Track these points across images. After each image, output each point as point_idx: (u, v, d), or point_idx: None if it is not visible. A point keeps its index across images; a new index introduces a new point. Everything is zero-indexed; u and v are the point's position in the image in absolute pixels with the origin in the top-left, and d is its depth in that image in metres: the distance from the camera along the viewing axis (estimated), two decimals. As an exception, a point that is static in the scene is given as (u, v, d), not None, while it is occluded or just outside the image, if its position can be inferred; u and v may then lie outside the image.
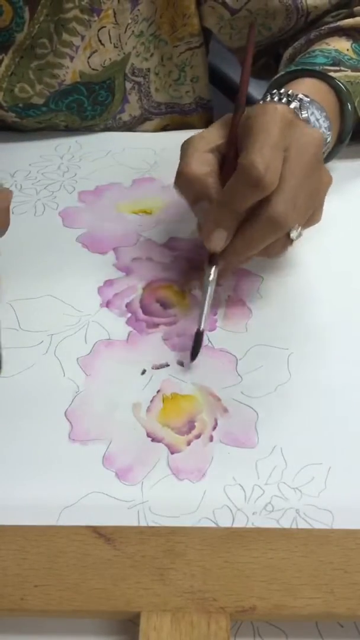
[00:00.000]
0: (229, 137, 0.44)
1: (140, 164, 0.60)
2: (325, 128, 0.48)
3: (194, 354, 0.41)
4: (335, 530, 0.33)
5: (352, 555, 0.31)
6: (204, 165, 0.43)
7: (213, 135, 0.44)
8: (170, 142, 0.61)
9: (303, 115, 0.46)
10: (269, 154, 0.39)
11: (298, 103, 0.47)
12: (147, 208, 0.54)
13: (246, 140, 0.41)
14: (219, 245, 0.42)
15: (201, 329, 0.41)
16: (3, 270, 0.48)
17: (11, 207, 0.54)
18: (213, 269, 0.43)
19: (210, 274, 0.43)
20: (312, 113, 0.47)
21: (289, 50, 0.60)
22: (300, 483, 0.35)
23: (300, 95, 0.47)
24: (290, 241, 0.43)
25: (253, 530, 0.33)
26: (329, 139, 0.49)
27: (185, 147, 0.44)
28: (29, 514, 0.34)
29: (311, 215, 0.44)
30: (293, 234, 0.42)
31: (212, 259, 0.43)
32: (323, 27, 0.58)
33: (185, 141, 0.44)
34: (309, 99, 0.47)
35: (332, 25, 0.58)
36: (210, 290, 0.42)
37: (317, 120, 0.48)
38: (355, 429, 0.38)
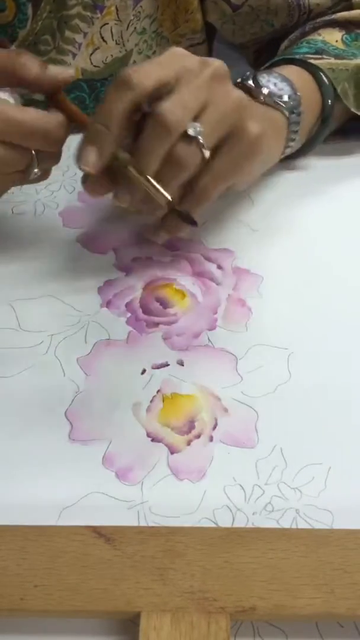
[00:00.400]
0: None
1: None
2: (286, 87, 0.49)
3: (192, 220, 0.41)
4: (335, 530, 0.33)
5: (352, 555, 0.31)
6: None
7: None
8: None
9: (261, 88, 0.47)
10: (147, 66, 0.39)
11: (251, 76, 0.48)
12: (147, 208, 0.54)
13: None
14: (89, 163, 0.40)
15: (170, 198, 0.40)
16: (3, 270, 0.48)
17: (11, 207, 0.54)
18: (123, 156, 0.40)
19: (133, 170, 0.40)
20: (268, 80, 0.48)
21: (285, 43, 0.61)
22: (300, 483, 0.35)
23: (257, 72, 0.48)
24: (192, 139, 0.40)
25: (253, 530, 0.33)
26: (289, 93, 0.49)
27: None
28: (29, 514, 0.34)
29: (234, 134, 0.42)
30: (191, 130, 0.39)
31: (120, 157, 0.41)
32: (318, 20, 0.58)
33: None
34: (265, 71, 0.48)
35: (326, 17, 0.58)
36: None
37: (275, 84, 0.48)
38: (355, 429, 0.38)
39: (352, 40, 0.56)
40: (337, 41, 0.56)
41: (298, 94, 0.49)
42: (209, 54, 0.67)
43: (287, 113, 0.49)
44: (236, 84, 0.48)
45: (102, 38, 0.58)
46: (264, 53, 0.67)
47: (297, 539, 0.31)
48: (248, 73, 0.49)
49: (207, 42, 0.66)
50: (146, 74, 0.39)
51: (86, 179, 0.43)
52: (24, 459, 0.37)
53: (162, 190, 0.40)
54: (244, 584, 0.30)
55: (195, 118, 0.40)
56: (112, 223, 0.53)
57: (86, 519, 0.33)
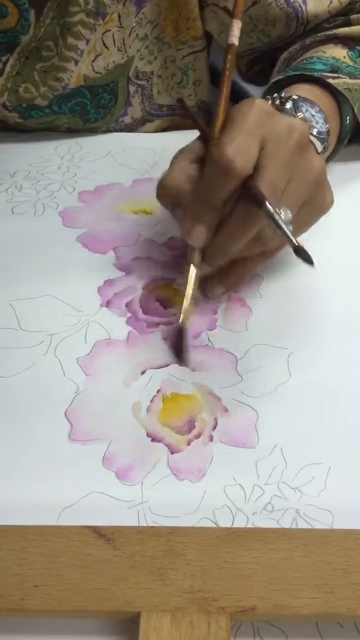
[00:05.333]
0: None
1: (141, 164, 0.60)
2: (321, 119, 0.49)
3: (182, 356, 0.41)
4: (335, 530, 0.33)
5: (352, 555, 0.31)
6: (181, 174, 0.42)
7: (195, 146, 0.43)
8: (170, 142, 0.61)
9: (299, 115, 0.47)
10: (241, 139, 0.39)
11: (292, 103, 0.47)
12: (147, 208, 0.54)
13: (222, 134, 0.40)
14: (199, 239, 0.41)
15: (186, 325, 0.41)
16: (3, 270, 0.48)
17: (11, 207, 0.54)
18: (193, 268, 0.42)
19: (189, 271, 0.42)
20: (307, 110, 0.48)
21: (284, 54, 0.61)
22: (300, 483, 0.35)
23: (294, 96, 0.47)
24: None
25: (253, 530, 0.32)
26: (322, 129, 0.49)
27: (172, 160, 0.44)
28: (29, 514, 0.34)
29: (311, 201, 0.43)
30: (283, 216, 0.40)
31: (192, 257, 0.42)
32: (319, 34, 0.59)
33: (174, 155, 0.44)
34: (301, 97, 0.47)
35: (328, 32, 0.58)
36: (192, 285, 0.42)
37: (313, 116, 0.48)
38: (355, 429, 0.38)
39: (356, 57, 0.57)
40: (344, 57, 0.56)
41: (327, 125, 0.49)
42: (208, 59, 0.67)
43: (320, 148, 0.49)
44: (272, 103, 0.48)
45: (104, 44, 0.58)
46: (258, 64, 0.67)
47: (297, 539, 0.31)
48: (283, 95, 0.49)
49: (207, 49, 0.66)
50: (245, 157, 0.38)
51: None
52: (24, 459, 0.37)
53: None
54: (244, 584, 0.30)
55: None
56: (112, 223, 0.53)
57: (86, 519, 0.33)
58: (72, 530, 0.32)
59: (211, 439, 0.38)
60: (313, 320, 0.45)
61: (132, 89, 0.63)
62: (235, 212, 0.41)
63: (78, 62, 0.58)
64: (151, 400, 0.40)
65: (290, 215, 0.41)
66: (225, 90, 0.44)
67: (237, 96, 0.88)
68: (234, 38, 0.45)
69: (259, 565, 0.30)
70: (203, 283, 0.45)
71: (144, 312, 0.45)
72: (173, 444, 0.37)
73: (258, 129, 0.39)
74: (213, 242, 0.42)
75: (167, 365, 0.41)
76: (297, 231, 0.44)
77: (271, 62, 0.65)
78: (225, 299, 0.46)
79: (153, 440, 0.38)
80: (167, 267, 0.48)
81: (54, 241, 0.51)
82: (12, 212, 0.54)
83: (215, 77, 0.72)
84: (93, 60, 0.59)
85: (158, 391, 0.40)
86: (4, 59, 0.57)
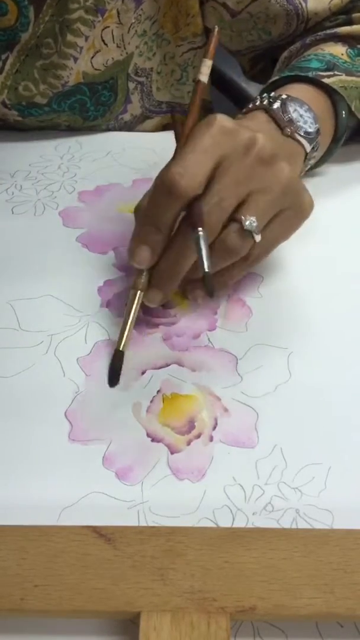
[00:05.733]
0: None
1: (141, 164, 0.60)
2: (310, 119, 0.49)
3: (112, 379, 0.40)
4: (335, 530, 0.33)
5: (352, 555, 0.31)
6: (148, 193, 0.42)
7: None
8: (170, 142, 0.61)
9: (287, 117, 0.47)
10: (191, 159, 0.38)
11: (280, 102, 0.47)
12: (147, 208, 0.54)
13: (176, 153, 0.40)
14: (142, 260, 0.41)
15: (122, 349, 0.41)
16: (3, 270, 0.48)
17: (11, 207, 0.54)
18: (138, 293, 0.42)
19: (135, 296, 0.42)
20: (295, 110, 0.48)
21: (285, 54, 0.61)
22: (300, 483, 0.35)
23: (283, 96, 0.47)
24: (247, 232, 0.40)
25: (253, 530, 0.32)
26: (311, 129, 0.49)
27: None
28: (29, 514, 0.34)
29: (287, 209, 0.42)
30: (247, 224, 0.40)
31: (137, 280, 0.42)
32: (319, 33, 0.58)
33: None
34: (290, 97, 0.48)
35: (328, 31, 0.58)
36: (133, 311, 0.41)
37: (301, 115, 0.48)
38: (355, 429, 0.38)
39: (355, 55, 0.56)
40: (342, 54, 0.56)
41: (317, 125, 0.49)
42: None
43: (308, 148, 0.49)
44: (259, 105, 0.48)
45: (103, 41, 0.58)
46: (260, 62, 0.67)
47: (297, 539, 0.31)
48: (273, 94, 0.49)
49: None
50: (192, 177, 0.38)
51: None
52: (24, 459, 0.37)
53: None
54: (244, 584, 0.30)
55: (243, 203, 0.40)
56: (112, 223, 0.53)
57: (86, 519, 0.33)
58: (72, 530, 0.32)
59: (211, 439, 0.38)
60: (313, 320, 0.45)
61: (131, 85, 0.63)
62: (177, 234, 0.40)
63: (77, 59, 0.58)
64: (151, 401, 0.40)
65: (255, 222, 0.40)
66: (190, 122, 0.43)
67: (238, 97, 0.89)
68: (203, 76, 0.45)
69: (259, 565, 0.30)
70: (185, 290, 0.45)
71: (144, 313, 0.45)
72: (173, 444, 0.37)
73: (214, 147, 0.39)
74: (159, 265, 0.41)
75: (167, 366, 0.41)
76: (280, 236, 0.44)
77: (273, 62, 0.65)
78: (225, 299, 0.46)
79: (153, 440, 0.38)
80: (167, 267, 0.48)
81: (54, 241, 0.51)
82: (12, 212, 0.54)
83: (213, 76, 0.72)
84: (92, 57, 0.58)
85: (158, 391, 0.40)
86: (3, 56, 0.57)
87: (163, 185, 0.39)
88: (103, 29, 0.57)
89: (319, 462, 0.36)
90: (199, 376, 0.41)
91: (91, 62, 0.59)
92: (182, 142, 0.42)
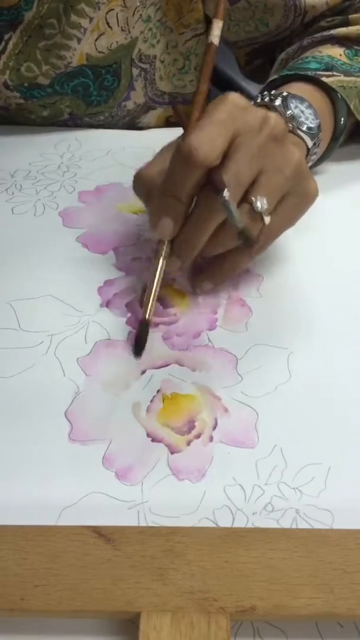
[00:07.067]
0: None
1: (141, 163, 0.59)
2: (311, 115, 0.49)
3: (137, 349, 0.41)
4: (335, 530, 0.33)
5: (352, 555, 0.31)
6: (156, 167, 0.43)
7: (177, 141, 0.43)
8: (170, 141, 0.61)
9: (288, 112, 0.47)
10: (208, 130, 0.39)
11: (281, 99, 0.48)
12: (147, 208, 0.54)
13: (193, 126, 0.40)
14: (165, 231, 0.41)
15: (148, 319, 0.41)
16: (4, 270, 0.48)
17: (11, 207, 0.54)
18: (161, 262, 0.42)
19: (158, 265, 0.42)
20: (296, 106, 0.48)
21: (282, 55, 0.61)
22: (300, 483, 0.35)
23: (284, 93, 0.48)
24: (257, 214, 0.41)
25: (253, 530, 0.33)
26: (312, 124, 0.49)
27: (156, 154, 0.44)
28: (29, 514, 0.34)
29: (294, 192, 0.42)
30: (257, 205, 0.40)
31: (159, 250, 0.42)
32: (316, 35, 0.59)
33: None
34: (291, 94, 0.48)
35: (325, 33, 0.58)
36: (156, 280, 0.42)
37: (302, 111, 0.49)
38: (355, 429, 0.38)
39: (353, 56, 0.57)
40: (340, 55, 0.56)
41: (318, 120, 0.49)
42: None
43: (310, 144, 0.49)
44: (261, 103, 0.48)
45: (108, 24, 0.58)
46: (257, 59, 0.67)
47: (297, 539, 0.31)
48: (274, 92, 0.49)
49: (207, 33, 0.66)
50: (210, 147, 0.38)
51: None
52: (24, 459, 0.37)
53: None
54: (244, 584, 0.30)
55: (254, 182, 0.40)
56: (112, 223, 0.53)
57: (86, 519, 0.33)
58: (72, 530, 0.32)
59: (211, 439, 0.38)
60: (313, 320, 0.45)
61: (135, 72, 0.63)
62: (198, 203, 0.41)
63: (81, 40, 0.58)
64: (151, 400, 0.40)
65: (265, 204, 0.40)
66: (203, 87, 0.44)
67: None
68: (214, 37, 0.45)
69: (259, 565, 0.30)
70: (191, 278, 0.45)
71: (144, 312, 0.45)
72: (173, 444, 0.37)
73: (229, 121, 0.39)
74: (180, 235, 0.42)
75: (167, 365, 0.41)
76: (286, 222, 0.44)
77: (270, 60, 0.66)
78: (225, 299, 0.46)
79: (153, 440, 0.38)
80: (167, 267, 0.48)
81: (54, 241, 0.51)
82: (12, 212, 0.54)
83: (213, 75, 0.72)
84: (96, 39, 0.58)
85: (158, 391, 0.40)
86: (6, 36, 0.57)
87: (181, 156, 0.39)
88: (108, 11, 0.57)
89: (319, 462, 0.36)
90: (199, 376, 0.41)
91: (95, 45, 0.59)
92: (196, 109, 0.42)
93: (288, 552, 0.31)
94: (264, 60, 0.67)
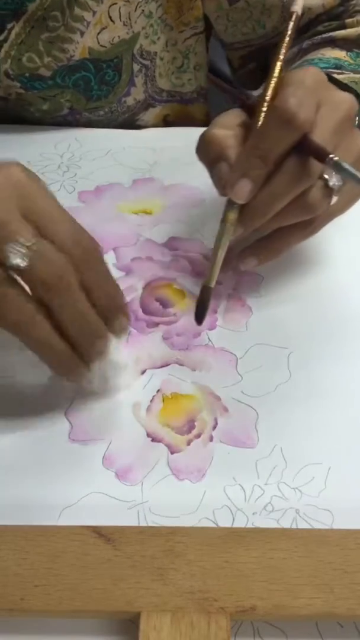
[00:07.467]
0: (256, 113, 0.42)
1: (140, 163, 0.59)
2: None
3: (199, 314, 0.41)
4: (335, 530, 0.33)
5: (352, 555, 0.31)
6: (226, 129, 0.42)
7: (235, 111, 0.43)
8: (170, 141, 0.61)
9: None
10: (303, 95, 0.38)
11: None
12: (147, 208, 0.54)
13: (277, 98, 0.40)
14: (243, 193, 0.40)
15: (211, 284, 0.40)
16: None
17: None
18: (228, 227, 0.41)
19: (225, 230, 0.41)
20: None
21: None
22: (300, 483, 0.35)
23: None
24: (329, 190, 0.40)
25: (253, 530, 0.33)
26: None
27: (213, 122, 0.43)
28: (29, 514, 0.34)
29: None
30: (333, 181, 0.40)
31: (228, 214, 0.40)
32: (316, 37, 0.59)
33: None
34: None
35: (324, 35, 0.58)
36: (222, 246, 0.41)
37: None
38: (355, 429, 0.38)
39: (356, 57, 0.57)
40: (344, 57, 0.56)
41: None
42: (207, 44, 0.67)
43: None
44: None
45: (110, 18, 0.58)
46: (251, 62, 0.67)
47: (297, 539, 0.31)
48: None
49: (206, 32, 0.66)
50: (309, 112, 0.38)
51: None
52: (24, 459, 0.37)
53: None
54: (244, 584, 0.30)
55: None
56: (112, 223, 0.53)
57: (86, 519, 0.33)
58: (72, 530, 0.32)
59: (211, 439, 0.38)
60: (313, 320, 0.45)
61: (136, 67, 0.63)
62: (285, 167, 0.39)
63: (84, 33, 0.58)
64: (151, 400, 0.40)
65: (337, 183, 0.40)
66: (283, 52, 0.43)
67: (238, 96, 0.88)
68: (297, 6, 0.45)
69: (259, 565, 0.30)
70: (237, 254, 0.44)
71: (144, 312, 0.45)
72: (173, 444, 0.37)
73: (315, 91, 0.39)
74: (254, 200, 0.40)
75: (167, 365, 0.41)
76: (342, 207, 0.43)
77: (263, 66, 0.66)
78: (225, 299, 0.46)
79: (153, 440, 0.38)
80: (167, 267, 0.48)
81: (54, 241, 0.51)
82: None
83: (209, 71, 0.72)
84: (98, 33, 0.58)
85: (158, 391, 0.40)
86: (9, 25, 0.57)
87: (281, 117, 0.38)
88: (110, 5, 0.57)
89: (319, 462, 0.36)
90: (199, 376, 0.41)
91: (97, 38, 0.59)
92: (274, 75, 0.42)
93: (288, 552, 0.31)
94: (256, 65, 0.67)
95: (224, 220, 0.41)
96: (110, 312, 0.36)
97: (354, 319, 0.45)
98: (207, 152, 0.42)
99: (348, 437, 0.38)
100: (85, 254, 0.35)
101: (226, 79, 0.83)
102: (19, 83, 0.60)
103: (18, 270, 0.32)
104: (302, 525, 0.34)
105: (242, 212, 0.41)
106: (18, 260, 0.32)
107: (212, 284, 0.41)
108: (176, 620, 0.29)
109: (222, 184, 0.41)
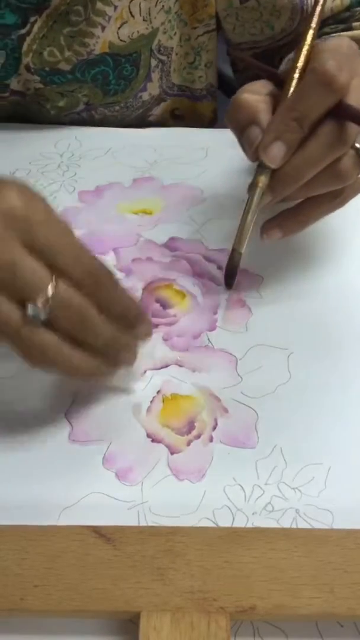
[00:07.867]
0: (286, 84, 0.41)
1: (140, 162, 0.60)
2: None
3: (228, 279, 0.41)
4: (335, 530, 0.33)
5: (352, 555, 0.31)
6: (257, 95, 0.41)
7: (263, 82, 0.43)
8: (170, 140, 0.61)
9: None
10: (342, 60, 0.38)
11: None
12: (147, 208, 0.54)
13: (314, 61, 0.39)
14: (277, 157, 0.39)
15: (241, 250, 0.40)
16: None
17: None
18: (258, 192, 0.40)
19: (254, 195, 0.40)
20: None
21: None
22: (300, 483, 0.35)
23: None
24: None
25: (253, 530, 0.33)
26: None
27: (240, 89, 0.42)
28: (29, 514, 0.34)
29: None
30: None
31: (258, 179, 0.40)
32: (324, 37, 0.59)
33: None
34: None
35: (333, 35, 0.58)
36: (252, 210, 0.40)
37: None
38: (355, 429, 0.38)
39: None
40: None
41: None
42: (217, 43, 0.67)
43: None
44: None
45: (131, 13, 0.58)
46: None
47: (297, 539, 0.31)
48: None
49: (216, 30, 0.66)
50: (348, 76, 0.38)
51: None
52: (24, 459, 0.37)
53: None
54: (244, 584, 0.30)
55: None
56: (112, 223, 0.53)
57: (86, 519, 0.33)
58: (72, 530, 0.32)
59: (211, 439, 0.38)
60: (313, 320, 0.45)
61: (153, 62, 0.63)
62: (320, 132, 0.39)
63: (105, 28, 0.58)
64: (151, 401, 0.40)
65: None
66: (316, 20, 0.43)
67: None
68: None
69: (259, 565, 0.30)
70: (261, 226, 0.43)
71: (144, 312, 0.45)
72: (173, 445, 0.37)
73: (350, 59, 0.39)
74: (287, 165, 0.40)
75: (167, 366, 0.41)
76: None
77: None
78: (225, 299, 0.46)
79: (153, 440, 0.38)
80: (167, 268, 0.48)
81: (54, 241, 0.51)
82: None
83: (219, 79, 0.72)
84: (119, 28, 0.59)
85: (158, 392, 0.40)
86: (32, 19, 0.57)
87: (321, 79, 0.38)
88: (131, 0, 0.58)
89: (319, 462, 0.36)
90: (199, 377, 0.41)
91: (117, 33, 0.59)
92: (306, 43, 0.42)
93: (288, 552, 0.31)
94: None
95: (254, 184, 0.40)
96: (132, 324, 0.36)
97: (353, 320, 0.45)
98: (238, 116, 0.41)
99: (348, 437, 0.38)
100: (96, 280, 0.34)
101: (228, 81, 0.83)
102: (38, 77, 0.60)
103: (40, 320, 0.33)
104: (302, 525, 0.34)
105: (273, 178, 0.40)
106: (40, 315, 0.32)
107: (242, 249, 0.41)
108: (176, 620, 0.29)
109: (253, 147, 0.40)
